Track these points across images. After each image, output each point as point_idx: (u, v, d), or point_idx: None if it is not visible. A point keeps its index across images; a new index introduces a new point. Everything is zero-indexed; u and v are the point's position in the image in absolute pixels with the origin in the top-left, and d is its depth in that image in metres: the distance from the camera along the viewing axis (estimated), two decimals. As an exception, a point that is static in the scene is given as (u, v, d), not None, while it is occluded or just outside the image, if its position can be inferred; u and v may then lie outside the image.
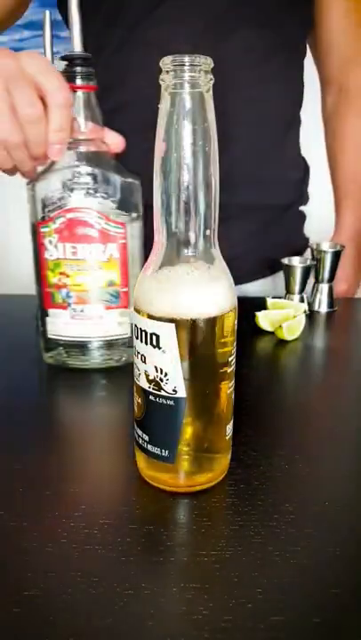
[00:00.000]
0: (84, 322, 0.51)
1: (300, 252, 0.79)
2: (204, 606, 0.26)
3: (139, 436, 0.35)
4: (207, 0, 0.64)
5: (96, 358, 0.53)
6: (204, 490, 0.35)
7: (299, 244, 0.82)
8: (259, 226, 0.76)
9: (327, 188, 0.84)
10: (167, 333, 0.31)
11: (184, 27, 0.64)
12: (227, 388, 0.34)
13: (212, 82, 0.30)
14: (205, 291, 0.32)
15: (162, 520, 0.33)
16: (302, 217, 0.82)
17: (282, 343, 0.61)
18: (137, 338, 0.33)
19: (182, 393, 0.32)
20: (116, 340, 0.52)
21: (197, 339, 0.32)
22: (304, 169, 0.79)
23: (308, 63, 0.79)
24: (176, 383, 0.32)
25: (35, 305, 0.52)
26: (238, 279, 0.76)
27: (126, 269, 0.50)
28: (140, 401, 0.34)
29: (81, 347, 0.52)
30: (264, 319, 0.63)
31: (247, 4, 0.64)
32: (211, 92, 0.30)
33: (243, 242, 0.75)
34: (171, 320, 0.31)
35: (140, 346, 0.33)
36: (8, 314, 0.71)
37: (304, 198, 0.81)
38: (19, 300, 0.72)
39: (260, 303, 0.67)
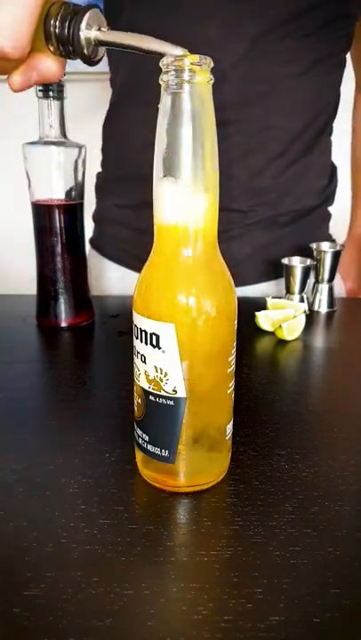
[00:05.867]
0: None
1: None
2: (204, 606, 0.26)
3: (139, 435, 0.35)
4: (258, 15, 0.63)
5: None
6: (204, 490, 0.35)
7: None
8: (281, 227, 0.75)
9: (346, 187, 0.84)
10: (167, 333, 0.31)
11: (232, 35, 0.64)
12: (227, 388, 0.34)
13: (212, 81, 0.30)
14: (205, 288, 0.32)
15: (162, 520, 0.33)
16: (327, 216, 0.82)
17: (282, 343, 0.61)
18: (137, 338, 0.33)
19: (182, 393, 0.32)
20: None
21: (197, 338, 0.32)
22: (331, 174, 0.79)
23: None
24: (176, 383, 0.32)
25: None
26: (258, 278, 0.76)
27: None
28: (140, 401, 0.34)
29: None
30: (264, 319, 0.63)
31: (293, 21, 0.64)
32: (211, 91, 0.30)
33: (266, 243, 0.75)
34: (170, 313, 0.31)
35: (140, 346, 0.33)
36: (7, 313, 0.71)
37: (329, 201, 0.81)
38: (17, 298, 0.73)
39: (260, 303, 0.67)
